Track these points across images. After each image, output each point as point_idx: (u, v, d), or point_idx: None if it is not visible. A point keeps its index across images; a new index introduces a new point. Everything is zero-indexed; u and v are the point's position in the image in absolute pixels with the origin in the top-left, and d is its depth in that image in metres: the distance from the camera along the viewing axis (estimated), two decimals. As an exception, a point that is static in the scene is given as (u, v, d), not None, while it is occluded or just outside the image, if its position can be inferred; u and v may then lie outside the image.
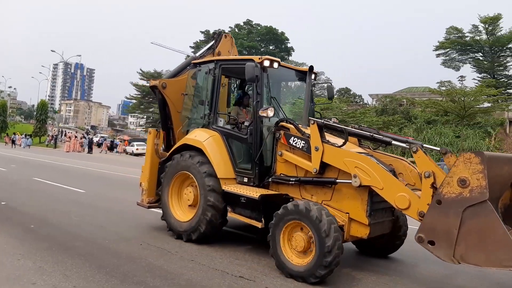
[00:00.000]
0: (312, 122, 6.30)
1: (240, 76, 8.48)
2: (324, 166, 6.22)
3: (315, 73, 7.82)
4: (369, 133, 6.13)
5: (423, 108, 42.54)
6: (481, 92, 36.44)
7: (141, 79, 72.56)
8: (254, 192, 6.52)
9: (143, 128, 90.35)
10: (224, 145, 7.33)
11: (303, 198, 6.49)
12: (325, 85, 12.25)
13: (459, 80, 52.53)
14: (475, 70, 55.88)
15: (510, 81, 53.48)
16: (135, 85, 73.91)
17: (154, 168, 8.44)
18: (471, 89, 38.55)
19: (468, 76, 69.75)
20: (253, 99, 7.01)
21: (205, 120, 7.74)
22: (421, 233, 4.94)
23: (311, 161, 6.29)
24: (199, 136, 7.54)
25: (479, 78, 53.42)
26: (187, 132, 8.15)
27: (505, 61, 53.42)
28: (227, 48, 9.35)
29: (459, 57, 56.44)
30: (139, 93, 73.60)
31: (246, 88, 8.81)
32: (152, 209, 8.77)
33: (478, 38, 52.57)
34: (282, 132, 6.77)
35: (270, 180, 6.85)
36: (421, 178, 5.28)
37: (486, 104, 39.36)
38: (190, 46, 69.70)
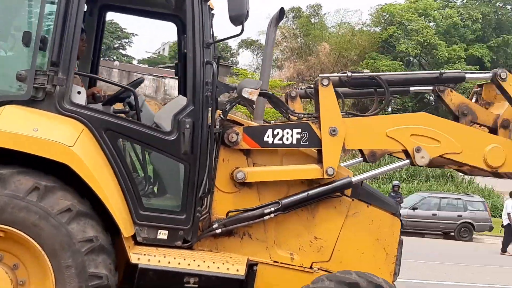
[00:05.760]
0: (325, 81, 3.99)
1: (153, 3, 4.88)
2: None
3: None
4: (436, 72, 4.36)
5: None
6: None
7: None
8: (215, 262, 3.71)
9: None
10: (106, 156, 3.83)
11: (274, 262, 4.08)
12: None
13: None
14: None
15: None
16: None
17: None
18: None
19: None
20: (195, 51, 3.85)
21: (36, 88, 3.67)
22: None
23: (319, 159, 4.00)
24: (50, 131, 3.55)
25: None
26: None
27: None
28: None
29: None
30: None
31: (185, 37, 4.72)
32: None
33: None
34: (238, 129, 3.97)
35: (216, 228, 3.94)
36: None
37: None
38: None
